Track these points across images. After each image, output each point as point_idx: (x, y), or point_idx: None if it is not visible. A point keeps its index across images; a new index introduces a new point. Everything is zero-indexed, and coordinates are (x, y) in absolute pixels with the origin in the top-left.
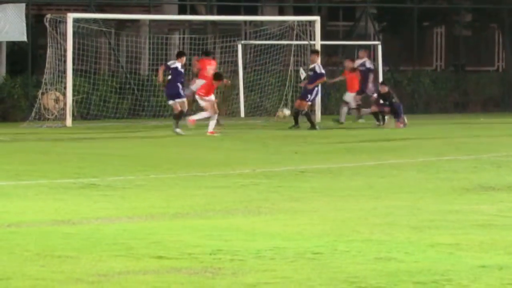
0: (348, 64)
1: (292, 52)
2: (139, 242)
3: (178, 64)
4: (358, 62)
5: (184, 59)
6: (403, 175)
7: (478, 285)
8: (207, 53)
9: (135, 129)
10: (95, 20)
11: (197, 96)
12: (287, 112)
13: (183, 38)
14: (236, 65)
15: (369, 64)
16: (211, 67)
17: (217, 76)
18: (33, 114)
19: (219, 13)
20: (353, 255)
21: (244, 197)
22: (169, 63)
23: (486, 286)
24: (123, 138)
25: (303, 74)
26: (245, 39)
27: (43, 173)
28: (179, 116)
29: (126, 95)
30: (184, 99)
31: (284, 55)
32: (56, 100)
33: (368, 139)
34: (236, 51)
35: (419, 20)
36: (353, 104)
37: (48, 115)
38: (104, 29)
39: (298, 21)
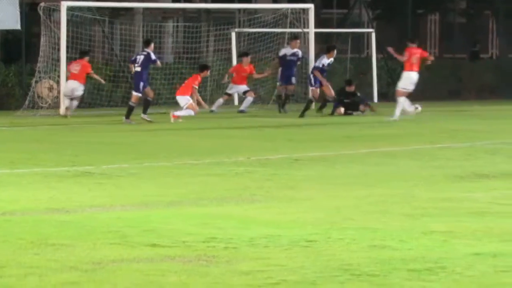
0: None
1: (286, 40)
2: (133, 230)
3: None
4: (289, 51)
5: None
6: (397, 163)
7: (472, 272)
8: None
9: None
10: (89, 8)
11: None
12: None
13: (177, 26)
14: (230, 53)
15: (301, 54)
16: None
17: (202, 67)
18: (27, 102)
19: (213, 1)
20: (347, 243)
21: (238, 185)
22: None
23: (480, 273)
24: (117, 126)
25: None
26: (239, 27)
27: (37, 161)
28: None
29: (120, 83)
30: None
31: (278, 43)
32: (50, 89)
33: (363, 127)
34: (230, 39)
35: (413, 8)
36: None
37: (42, 103)
38: (98, 17)
39: (292, 9)
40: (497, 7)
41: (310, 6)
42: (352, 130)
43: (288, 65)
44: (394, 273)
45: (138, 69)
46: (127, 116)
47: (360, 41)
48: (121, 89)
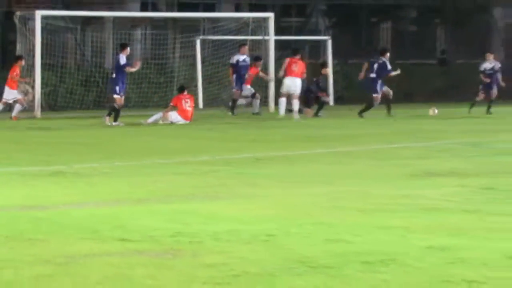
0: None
1: (248, 47)
2: (104, 226)
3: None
4: (240, 57)
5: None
6: (354, 162)
7: (422, 264)
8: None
9: (100, 120)
10: (62, 17)
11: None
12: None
13: (145, 34)
14: (195, 59)
15: (248, 60)
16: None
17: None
18: (3, 105)
19: (179, 10)
20: (304, 237)
21: (204, 183)
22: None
23: (429, 265)
24: (89, 128)
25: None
26: (204, 34)
27: (13, 161)
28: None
29: (92, 88)
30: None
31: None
32: (26, 93)
33: (321, 128)
34: (195, 46)
35: (367, 16)
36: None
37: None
38: (70, 25)
39: (253, 18)
40: (445, 17)
41: (270, 15)
42: (311, 131)
43: (240, 70)
44: (349, 265)
45: (114, 73)
46: (115, 119)
47: (317, 48)
48: (93, 92)
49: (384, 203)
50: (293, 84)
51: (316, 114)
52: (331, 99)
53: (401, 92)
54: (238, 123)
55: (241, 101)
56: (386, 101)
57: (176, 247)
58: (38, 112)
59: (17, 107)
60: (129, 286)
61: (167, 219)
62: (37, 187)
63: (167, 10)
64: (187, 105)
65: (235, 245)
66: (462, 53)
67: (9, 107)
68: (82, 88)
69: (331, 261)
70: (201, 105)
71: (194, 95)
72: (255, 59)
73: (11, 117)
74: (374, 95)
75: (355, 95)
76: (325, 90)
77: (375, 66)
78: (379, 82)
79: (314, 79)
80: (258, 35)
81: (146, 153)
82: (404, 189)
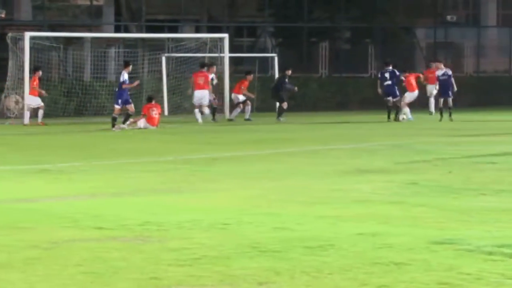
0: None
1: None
2: (83, 216)
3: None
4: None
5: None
6: (295, 161)
7: (356, 248)
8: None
9: (80, 125)
10: (47, 38)
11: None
12: None
13: (118, 52)
14: (161, 73)
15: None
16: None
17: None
18: None
19: (147, 31)
20: (255, 226)
21: (168, 179)
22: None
23: (362, 249)
24: (71, 133)
25: (215, 81)
26: (168, 52)
27: (6, 160)
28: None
29: (73, 98)
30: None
31: (199, 65)
32: (17, 102)
33: (268, 132)
34: (161, 62)
35: (308, 37)
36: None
37: (10, 114)
38: (54, 45)
39: (210, 38)
40: (375, 37)
41: (225, 35)
42: (259, 135)
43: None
44: (293, 250)
45: (117, 88)
46: (112, 125)
47: (265, 64)
48: (74, 102)
49: (321, 196)
50: (201, 95)
51: (277, 118)
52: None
53: (336, 102)
54: (197, 128)
55: (236, 110)
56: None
57: (145, 234)
58: (27, 119)
59: (40, 112)
60: (104, 267)
61: (137, 210)
62: (27, 183)
63: (137, 31)
64: (154, 113)
65: (196, 232)
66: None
67: (34, 113)
68: (65, 98)
69: (278, 246)
70: (166, 112)
71: (161, 104)
72: (246, 73)
73: (36, 123)
74: (396, 98)
75: (298, 103)
76: (291, 89)
77: (387, 74)
78: (396, 87)
79: (286, 79)
80: (214, 53)
81: (119, 154)
82: (338, 184)
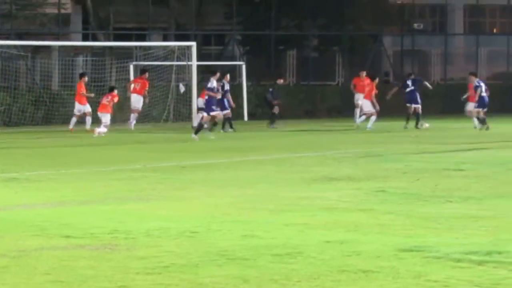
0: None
1: (174, 71)
2: (51, 224)
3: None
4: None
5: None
6: (263, 168)
7: (323, 256)
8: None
9: (48, 134)
10: (15, 46)
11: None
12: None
13: (86, 60)
14: (129, 81)
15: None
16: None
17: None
18: None
19: (115, 40)
20: (223, 233)
21: (136, 187)
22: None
23: (330, 257)
24: (39, 141)
25: (182, 89)
26: (136, 60)
27: None
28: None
29: (41, 106)
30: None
31: (167, 73)
32: None
33: (236, 140)
34: (129, 70)
35: (276, 44)
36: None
37: None
38: (22, 53)
39: (178, 46)
40: (342, 44)
41: (193, 44)
42: (227, 143)
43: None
44: (261, 257)
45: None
46: (196, 131)
47: (233, 72)
48: (41, 111)
49: (289, 203)
50: (136, 100)
51: (270, 126)
52: (245, 116)
53: (303, 109)
54: (165, 136)
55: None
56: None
57: (113, 242)
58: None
59: (88, 119)
60: (72, 276)
61: (106, 218)
62: None
63: (105, 39)
64: (106, 100)
65: (164, 240)
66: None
67: (81, 120)
68: (33, 107)
69: (246, 254)
70: (134, 121)
71: (129, 113)
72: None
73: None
74: (417, 106)
75: (265, 111)
76: (277, 97)
77: (409, 82)
78: (418, 94)
79: (270, 89)
80: (182, 61)
81: (87, 162)
82: (306, 192)
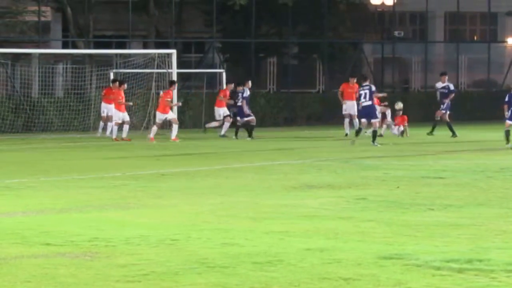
0: None
1: (154, 79)
2: (31, 232)
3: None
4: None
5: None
6: (244, 176)
7: (304, 264)
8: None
9: (28, 141)
10: None
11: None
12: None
13: (66, 68)
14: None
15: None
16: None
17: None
18: None
19: (95, 47)
20: (203, 241)
21: (116, 195)
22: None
23: (310, 265)
24: (18, 148)
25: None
26: (116, 68)
27: None
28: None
29: (21, 114)
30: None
31: (147, 81)
32: None
33: (216, 148)
34: (109, 78)
35: (256, 52)
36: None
37: None
38: (2, 61)
39: (158, 54)
40: (322, 52)
41: (173, 51)
42: (207, 151)
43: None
44: (241, 265)
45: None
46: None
47: (213, 79)
48: (22, 118)
49: (269, 211)
50: (107, 108)
51: (250, 137)
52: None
53: (283, 117)
54: (144, 144)
55: (213, 123)
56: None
57: (93, 250)
58: (101, 131)
59: (125, 128)
60: (53, 284)
61: (85, 226)
62: None
63: (85, 47)
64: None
65: (144, 248)
66: (336, 83)
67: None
68: (13, 115)
69: (226, 262)
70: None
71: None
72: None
73: (119, 138)
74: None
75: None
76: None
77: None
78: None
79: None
80: (162, 68)
81: (67, 170)
82: (286, 200)
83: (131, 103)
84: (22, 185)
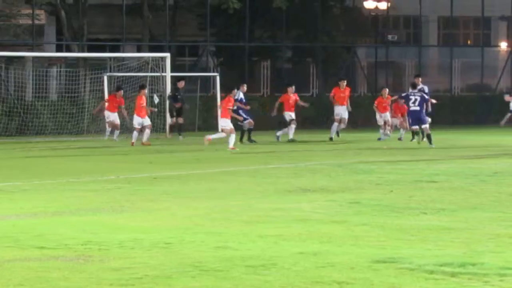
0: None
1: (148, 82)
2: (24, 235)
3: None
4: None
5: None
6: (237, 180)
7: (297, 267)
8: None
9: (22, 145)
10: None
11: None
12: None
13: (60, 71)
14: (103, 92)
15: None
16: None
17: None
18: None
19: (89, 51)
20: (197, 245)
21: (110, 198)
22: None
23: (304, 268)
24: (12, 152)
25: (156, 100)
26: (110, 71)
27: None
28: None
29: (14, 117)
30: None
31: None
32: None
33: (209, 151)
34: (103, 81)
35: (250, 56)
36: None
37: None
38: None
39: (152, 57)
40: (316, 56)
41: (167, 55)
42: (201, 154)
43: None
44: (235, 269)
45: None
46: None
47: (207, 83)
48: (15, 121)
49: (263, 215)
50: (111, 115)
51: (249, 141)
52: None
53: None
54: (137, 148)
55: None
56: None
57: (87, 254)
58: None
59: (147, 132)
60: (46, 287)
61: (79, 229)
62: None
63: (79, 50)
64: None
65: (138, 251)
66: (330, 87)
67: (138, 133)
68: (6, 118)
69: (220, 265)
70: (108, 132)
71: (103, 124)
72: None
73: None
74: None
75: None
76: (182, 101)
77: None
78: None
79: (170, 93)
80: (156, 72)
81: (60, 173)
82: (280, 203)
83: (155, 109)
84: (16, 188)
